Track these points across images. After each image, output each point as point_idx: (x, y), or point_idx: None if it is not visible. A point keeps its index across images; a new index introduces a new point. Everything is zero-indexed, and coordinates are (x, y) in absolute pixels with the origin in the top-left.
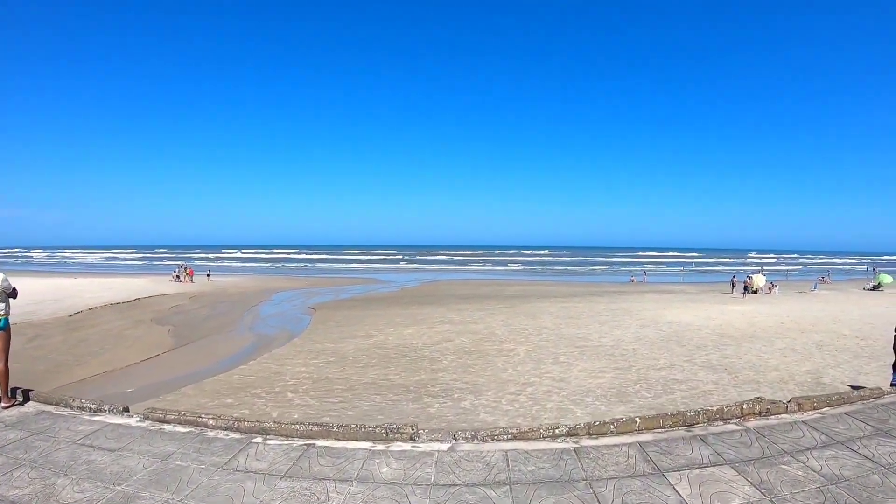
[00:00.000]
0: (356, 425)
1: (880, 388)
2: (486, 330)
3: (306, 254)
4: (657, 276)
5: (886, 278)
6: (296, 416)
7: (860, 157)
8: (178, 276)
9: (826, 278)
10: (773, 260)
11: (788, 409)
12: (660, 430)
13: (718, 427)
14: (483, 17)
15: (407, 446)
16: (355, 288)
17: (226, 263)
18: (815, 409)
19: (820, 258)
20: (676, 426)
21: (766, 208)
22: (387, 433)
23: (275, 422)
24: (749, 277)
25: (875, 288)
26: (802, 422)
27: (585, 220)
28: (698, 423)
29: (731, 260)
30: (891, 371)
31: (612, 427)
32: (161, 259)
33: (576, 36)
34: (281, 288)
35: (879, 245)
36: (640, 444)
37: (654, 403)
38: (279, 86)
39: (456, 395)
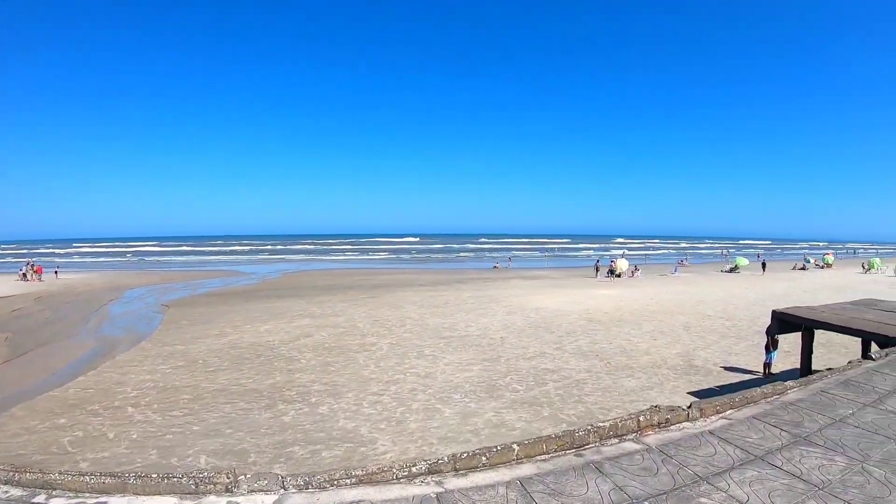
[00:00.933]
0: (159, 475)
1: (782, 384)
2: (348, 323)
3: (166, 246)
4: (523, 262)
5: (742, 261)
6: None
7: (717, 147)
8: (24, 275)
9: (685, 261)
10: (640, 245)
11: (690, 415)
12: (543, 456)
13: (614, 447)
14: None
15: (222, 501)
16: (214, 282)
17: (77, 259)
18: (718, 413)
19: (683, 244)
20: (563, 449)
21: (633, 196)
22: (197, 484)
23: (62, 472)
24: (613, 261)
25: (732, 270)
26: (709, 432)
27: (453, 208)
28: (589, 444)
29: (598, 245)
30: (763, 351)
31: (483, 459)
32: (4, 256)
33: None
34: (134, 284)
35: (734, 231)
36: (521, 481)
37: (527, 397)
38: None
39: (314, 399)
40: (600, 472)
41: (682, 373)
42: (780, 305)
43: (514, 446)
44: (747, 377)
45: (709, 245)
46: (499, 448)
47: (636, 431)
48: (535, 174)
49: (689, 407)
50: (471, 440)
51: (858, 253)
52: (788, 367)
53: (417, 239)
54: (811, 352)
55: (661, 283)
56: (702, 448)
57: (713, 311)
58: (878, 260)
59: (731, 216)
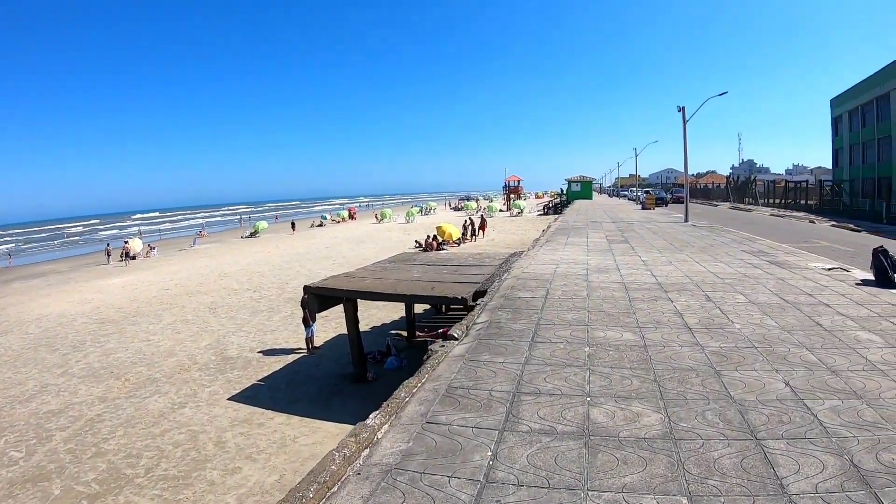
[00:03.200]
0: None
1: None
2: None
3: None
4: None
5: (262, 224)
6: None
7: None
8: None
9: (203, 232)
10: (157, 218)
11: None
12: None
13: None
14: None
15: None
16: None
17: None
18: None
19: (200, 213)
20: None
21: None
22: None
23: None
24: (126, 242)
25: (252, 235)
26: None
27: None
28: None
29: (111, 226)
30: (301, 325)
31: None
32: None
33: None
34: None
35: (257, 195)
36: None
37: (29, 469)
38: None
39: None
40: None
41: (216, 371)
42: (307, 265)
43: None
44: (291, 357)
45: (226, 212)
46: None
47: None
48: None
49: None
50: None
51: (374, 206)
52: (332, 334)
53: None
54: (357, 321)
55: (181, 259)
56: None
57: (239, 284)
58: (389, 210)
59: (253, 181)
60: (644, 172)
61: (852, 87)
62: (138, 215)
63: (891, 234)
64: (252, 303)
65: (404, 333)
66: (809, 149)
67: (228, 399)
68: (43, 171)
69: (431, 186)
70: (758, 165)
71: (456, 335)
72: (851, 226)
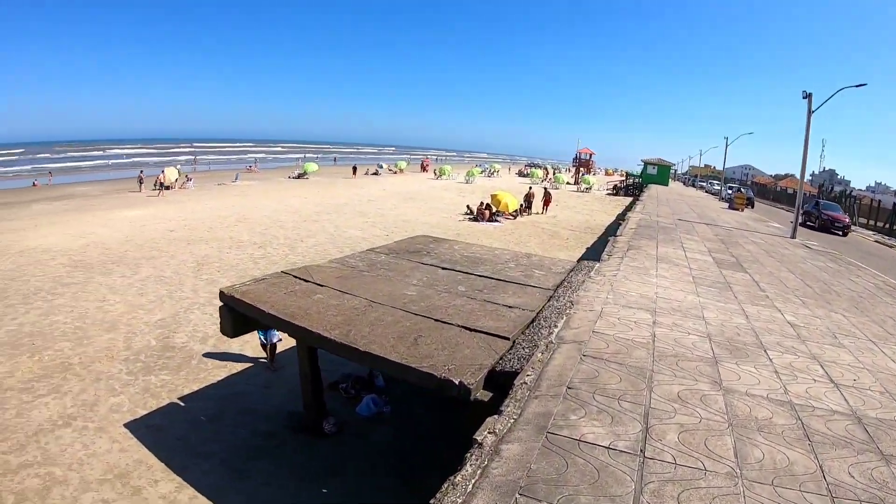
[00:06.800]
0: None
1: None
2: None
3: None
4: (74, 176)
5: (312, 166)
6: None
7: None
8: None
9: (254, 167)
10: (215, 148)
11: None
12: None
13: None
14: None
15: None
16: None
17: None
18: None
19: (262, 146)
20: None
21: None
22: None
23: None
24: (163, 172)
25: (300, 176)
26: None
27: None
28: None
29: (161, 150)
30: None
31: None
32: None
33: None
34: None
35: (330, 135)
36: None
37: None
38: None
39: None
40: None
41: (142, 368)
42: (337, 220)
43: None
44: (241, 366)
45: (288, 147)
46: None
47: None
48: None
49: None
50: None
51: (443, 160)
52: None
53: None
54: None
55: (213, 195)
56: None
57: (250, 235)
58: (448, 167)
59: (338, 122)
60: (719, 165)
61: None
62: (186, 144)
63: None
64: (249, 263)
65: None
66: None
67: (125, 425)
68: (102, 90)
69: (499, 147)
70: (839, 177)
71: None
72: None
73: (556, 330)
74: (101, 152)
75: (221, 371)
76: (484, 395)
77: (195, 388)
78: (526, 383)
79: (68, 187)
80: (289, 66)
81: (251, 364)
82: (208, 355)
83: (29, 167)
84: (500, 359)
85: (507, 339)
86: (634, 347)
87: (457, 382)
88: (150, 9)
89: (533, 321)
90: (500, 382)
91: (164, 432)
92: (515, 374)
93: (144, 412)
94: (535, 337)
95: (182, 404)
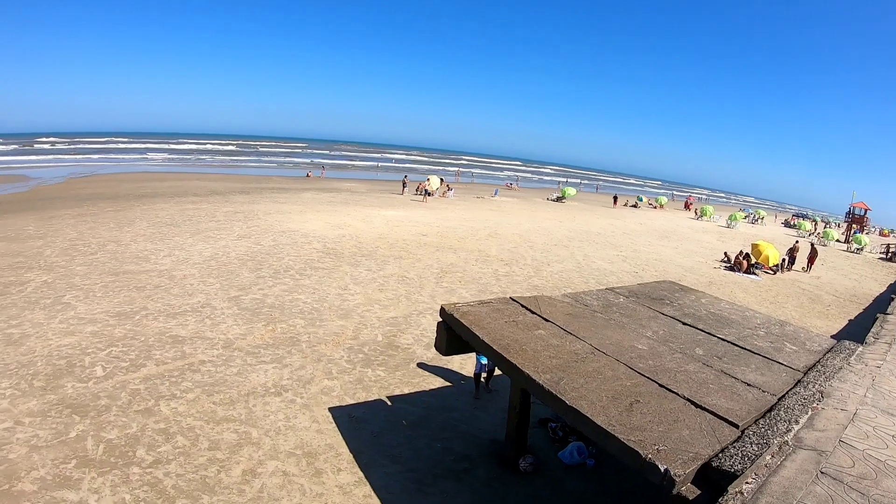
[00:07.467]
0: None
1: None
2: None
3: None
4: (347, 173)
5: (570, 191)
6: None
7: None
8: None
9: (514, 185)
10: (484, 163)
11: None
12: None
13: None
14: None
15: None
16: None
17: None
18: None
19: (547, 168)
20: None
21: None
22: None
23: None
24: (427, 179)
25: (559, 199)
26: None
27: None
28: None
29: (434, 161)
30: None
31: None
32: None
33: None
34: None
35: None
36: None
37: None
38: None
39: None
40: None
41: (363, 360)
42: (585, 248)
43: None
44: (444, 384)
45: (553, 171)
46: None
47: None
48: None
49: None
50: None
51: (705, 199)
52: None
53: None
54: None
55: (470, 206)
56: None
57: (497, 251)
58: (710, 208)
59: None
60: None
61: None
62: (464, 157)
63: None
64: (491, 278)
65: None
66: None
67: (330, 408)
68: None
69: (767, 192)
70: None
71: None
72: None
73: (795, 428)
74: (377, 155)
75: (436, 381)
76: (689, 492)
77: (406, 390)
78: (742, 493)
79: (338, 182)
80: (560, 94)
81: (457, 388)
82: (428, 363)
83: (308, 160)
84: (722, 451)
85: (737, 426)
86: (886, 475)
87: (662, 469)
88: None
89: (771, 409)
90: (714, 480)
91: (363, 425)
92: (734, 476)
93: (352, 402)
94: (768, 431)
95: (389, 403)
